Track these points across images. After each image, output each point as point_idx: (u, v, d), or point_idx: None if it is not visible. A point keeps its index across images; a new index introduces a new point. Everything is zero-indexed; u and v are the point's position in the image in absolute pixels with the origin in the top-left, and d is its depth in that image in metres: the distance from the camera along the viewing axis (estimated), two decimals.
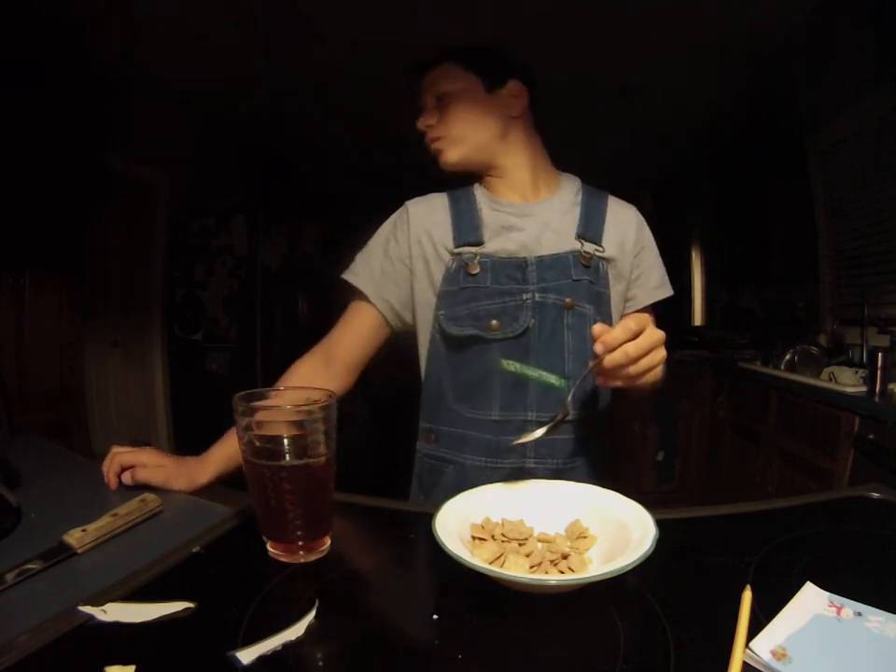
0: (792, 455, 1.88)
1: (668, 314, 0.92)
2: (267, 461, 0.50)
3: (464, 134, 0.83)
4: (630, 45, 2.32)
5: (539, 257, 0.79)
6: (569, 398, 0.63)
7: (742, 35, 2.24)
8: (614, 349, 0.57)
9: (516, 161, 0.85)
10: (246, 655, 0.36)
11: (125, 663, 0.35)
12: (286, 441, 0.50)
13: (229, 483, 0.73)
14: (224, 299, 3.36)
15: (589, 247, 0.81)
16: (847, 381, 1.76)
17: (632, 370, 0.58)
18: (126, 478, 0.70)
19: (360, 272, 0.85)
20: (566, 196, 0.85)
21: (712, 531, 0.60)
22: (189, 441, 0.77)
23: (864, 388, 1.63)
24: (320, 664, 0.39)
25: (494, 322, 0.77)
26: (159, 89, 2.72)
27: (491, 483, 0.60)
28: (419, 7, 2.09)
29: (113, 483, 0.70)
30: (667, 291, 0.90)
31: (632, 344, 0.57)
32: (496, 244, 0.80)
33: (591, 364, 0.59)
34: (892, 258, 1.98)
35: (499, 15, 2.08)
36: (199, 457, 0.75)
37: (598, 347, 0.57)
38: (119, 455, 0.71)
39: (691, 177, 3.72)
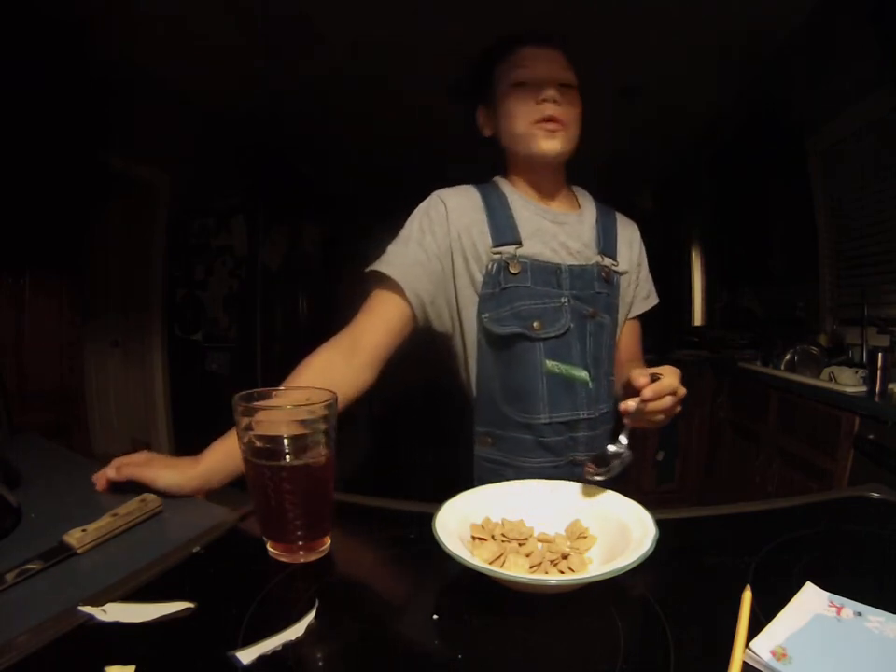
0: (792, 454, 1.88)
1: (669, 314, 0.95)
2: (267, 461, 0.50)
3: (577, 134, 0.82)
4: (630, 45, 2.32)
5: (570, 266, 0.81)
6: (623, 435, 0.64)
7: (742, 35, 2.23)
8: (661, 397, 0.64)
9: (562, 171, 0.87)
10: (246, 655, 0.36)
11: (125, 663, 0.35)
12: (286, 441, 0.50)
13: (228, 483, 0.72)
14: (224, 299, 3.36)
15: (608, 262, 0.85)
16: (847, 381, 1.76)
17: (664, 416, 0.67)
18: (111, 472, 0.67)
19: (394, 262, 0.79)
20: (589, 210, 0.88)
21: (712, 531, 0.60)
22: (189, 442, 0.76)
23: (864, 388, 1.63)
24: (320, 664, 0.39)
25: (536, 323, 0.78)
26: (159, 89, 2.71)
27: (551, 479, 0.62)
28: (419, 6, 2.09)
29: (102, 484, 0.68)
30: (655, 300, 0.97)
31: (670, 398, 0.65)
32: (532, 246, 0.81)
33: (634, 406, 0.64)
34: (892, 258, 1.98)
35: (499, 15, 2.08)
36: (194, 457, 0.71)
37: (648, 392, 0.63)
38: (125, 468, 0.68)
39: (691, 177, 3.71)
